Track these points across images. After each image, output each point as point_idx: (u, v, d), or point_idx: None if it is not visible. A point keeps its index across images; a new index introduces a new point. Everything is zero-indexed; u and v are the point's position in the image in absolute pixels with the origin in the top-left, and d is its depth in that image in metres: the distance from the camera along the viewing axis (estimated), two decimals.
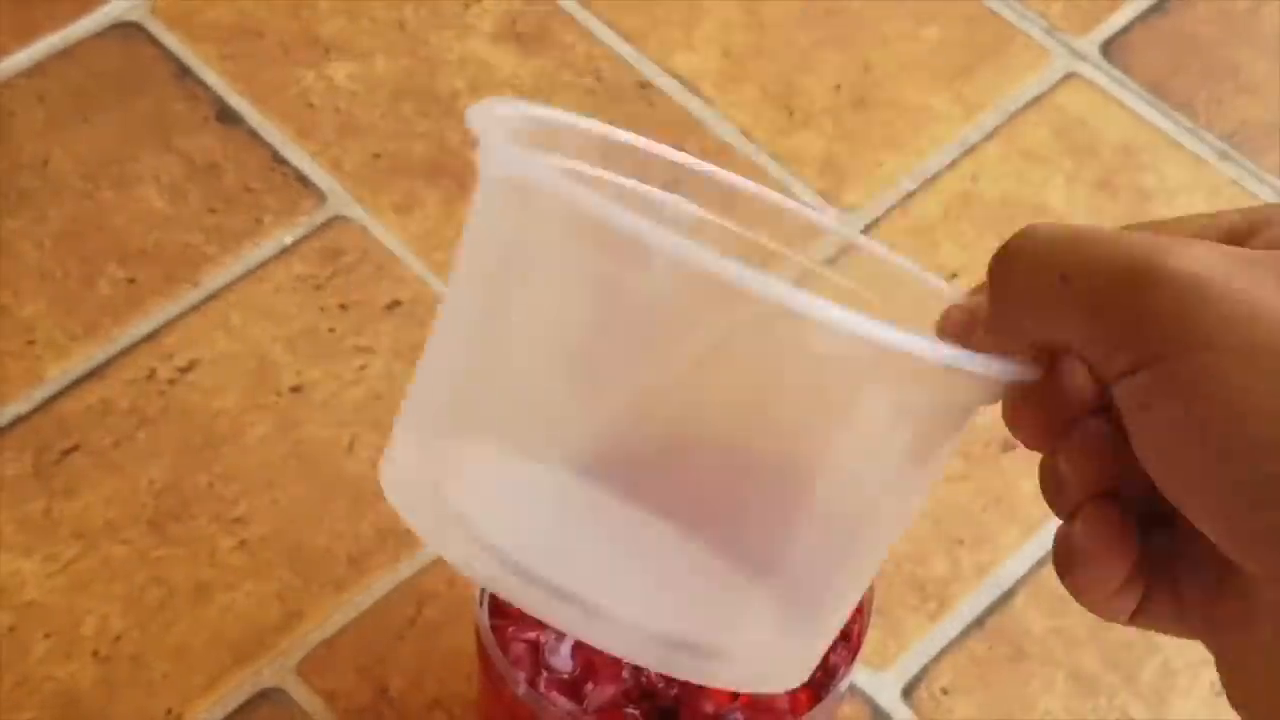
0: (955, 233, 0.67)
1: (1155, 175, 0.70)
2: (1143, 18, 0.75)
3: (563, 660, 0.45)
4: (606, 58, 0.72)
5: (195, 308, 0.64)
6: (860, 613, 0.46)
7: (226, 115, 0.69)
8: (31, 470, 0.59)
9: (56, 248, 0.65)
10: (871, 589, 0.46)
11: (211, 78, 0.70)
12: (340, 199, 0.67)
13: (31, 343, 0.62)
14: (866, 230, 0.67)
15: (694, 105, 0.71)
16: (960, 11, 0.75)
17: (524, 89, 0.71)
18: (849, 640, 0.46)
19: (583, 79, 0.71)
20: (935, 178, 0.69)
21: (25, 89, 0.69)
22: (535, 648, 0.45)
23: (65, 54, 0.70)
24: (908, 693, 0.56)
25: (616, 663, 0.45)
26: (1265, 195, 0.69)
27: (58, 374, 0.62)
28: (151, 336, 0.63)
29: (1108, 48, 0.74)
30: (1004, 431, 0.61)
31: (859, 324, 0.27)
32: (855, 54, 0.73)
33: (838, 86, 0.72)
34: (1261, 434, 0.26)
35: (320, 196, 0.67)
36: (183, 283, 0.64)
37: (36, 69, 0.70)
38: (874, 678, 0.57)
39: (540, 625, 0.46)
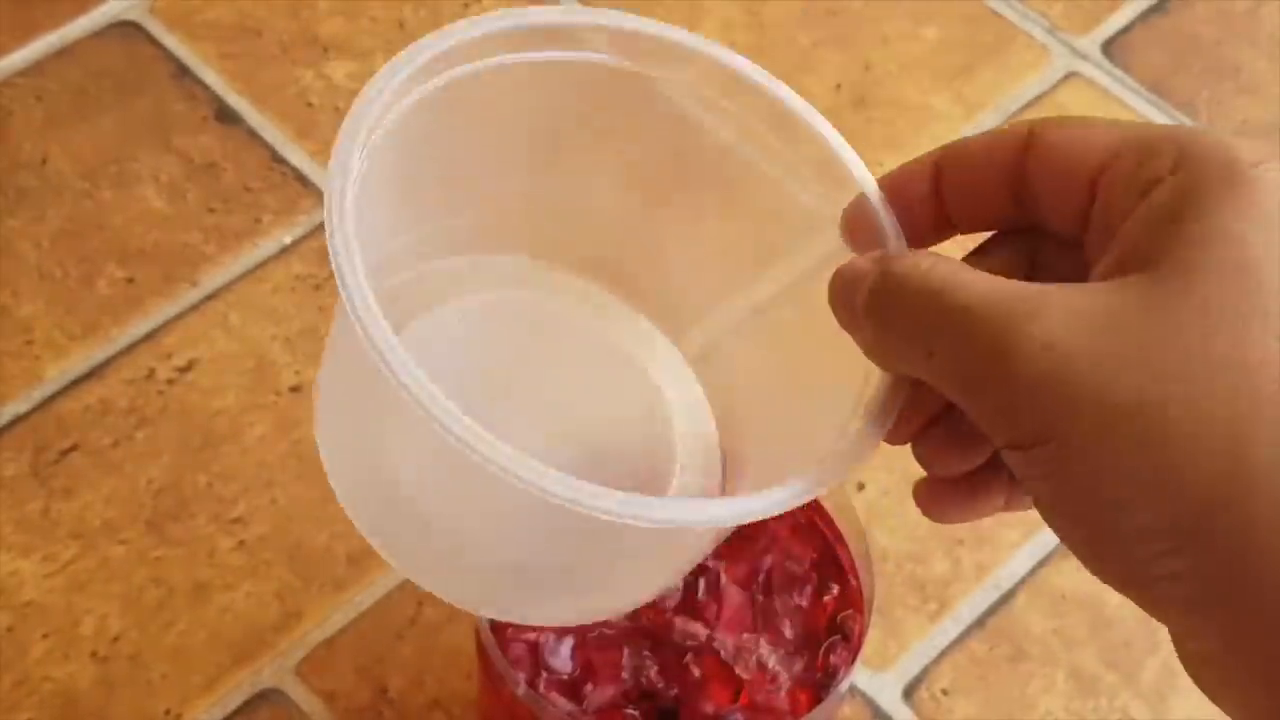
0: None
1: None
2: (1143, 17, 0.75)
3: (562, 661, 0.45)
4: None
5: (194, 307, 0.63)
6: (860, 613, 0.46)
7: (225, 115, 0.69)
8: (30, 470, 0.59)
9: (55, 247, 0.65)
10: (872, 588, 0.46)
11: (210, 77, 0.70)
12: None
13: (30, 342, 0.62)
14: None
15: None
16: (961, 11, 0.75)
17: None
18: (849, 640, 0.45)
19: None
20: None
21: (24, 88, 0.69)
22: (534, 648, 0.45)
23: (64, 53, 0.70)
24: (908, 693, 0.56)
25: (616, 663, 0.45)
26: None
27: (56, 374, 0.61)
28: (150, 336, 0.63)
29: (1108, 47, 0.74)
30: None
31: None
32: (856, 54, 0.73)
33: (838, 86, 0.72)
34: (1123, 525, 0.26)
35: (319, 196, 0.67)
36: (182, 282, 0.64)
37: (35, 68, 0.70)
38: (874, 678, 0.57)
39: (540, 626, 0.46)
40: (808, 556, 0.47)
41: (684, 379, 0.40)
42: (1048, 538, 0.59)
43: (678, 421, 0.39)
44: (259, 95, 0.70)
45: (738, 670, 0.45)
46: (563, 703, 0.45)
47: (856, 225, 0.34)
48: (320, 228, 0.66)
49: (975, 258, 0.33)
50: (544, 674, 0.45)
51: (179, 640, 0.56)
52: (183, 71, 0.70)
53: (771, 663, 0.45)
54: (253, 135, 0.68)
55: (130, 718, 0.55)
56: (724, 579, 0.46)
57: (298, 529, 0.58)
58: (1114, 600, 0.59)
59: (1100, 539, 0.27)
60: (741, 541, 0.47)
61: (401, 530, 0.35)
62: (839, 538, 0.47)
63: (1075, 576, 0.59)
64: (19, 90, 0.69)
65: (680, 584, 0.45)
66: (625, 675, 0.45)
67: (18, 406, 0.61)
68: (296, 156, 0.68)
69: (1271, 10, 0.75)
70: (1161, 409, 0.26)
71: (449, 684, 0.56)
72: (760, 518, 0.31)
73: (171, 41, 0.71)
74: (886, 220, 0.33)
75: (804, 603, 0.46)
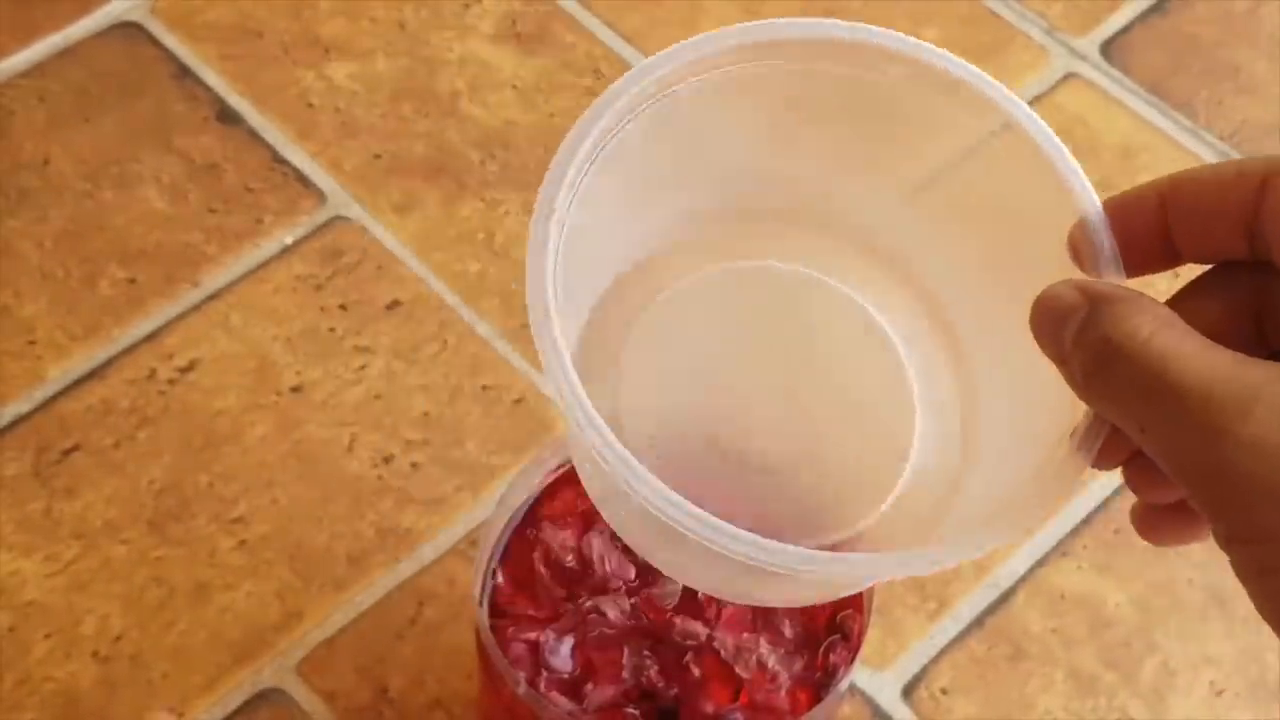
0: None
1: (1155, 175, 0.70)
2: (1142, 18, 0.75)
3: (563, 660, 0.45)
4: (606, 58, 0.72)
5: (196, 308, 0.64)
6: (860, 611, 0.46)
7: (227, 115, 0.69)
8: (32, 470, 0.59)
9: (57, 248, 0.65)
10: (871, 588, 0.46)
11: (212, 78, 0.70)
12: (340, 199, 0.67)
13: (32, 343, 0.62)
14: None
15: None
16: (959, 12, 0.75)
17: (524, 89, 0.71)
18: (849, 640, 0.46)
19: (582, 79, 0.71)
20: None
21: (26, 89, 0.69)
22: (535, 648, 0.45)
23: (66, 54, 0.71)
24: (907, 692, 0.57)
25: (616, 663, 0.45)
26: None
27: (58, 374, 0.62)
28: (152, 336, 0.63)
29: (1107, 48, 0.74)
30: None
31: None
32: None
33: None
34: None
35: (320, 196, 0.67)
36: (183, 283, 0.64)
37: (37, 69, 0.70)
38: (874, 678, 0.57)
39: (540, 625, 0.46)
40: None
41: (922, 336, 0.40)
42: (1046, 537, 0.60)
43: (918, 387, 0.39)
44: (260, 96, 0.70)
45: (737, 669, 0.46)
46: (563, 702, 0.45)
47: (1080, 248, 0.33)
48: (320, 228, 0.66)
49: (1199, 292, 0.32)
50: (544, 673, 0.45)
51: (180, 640, 0.56)
52: (184, 72, 0.70)
53: (771, 662, 0.46)
54: (254, 136, 0.68)
55: (131, 717, 0.55)
56: None
57: (298, 529, 0.59)
58: (1112, 600, 0.59)
59: None
60: None
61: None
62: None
63: (1074, 576, 0.59)
64: (21, 91, 0.69)
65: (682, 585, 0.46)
66: (625, 675, 0.45)
67: (19, 406, 0.61)
68: (297, 157, 0.68)
69: (1270, 11, 0.76)
70: None
71: (449, 684, 0.56)
72: (955, 563, 0.32)
73: (172, 42, 0.71)
74: (1107, 245, 0.33)
75: None
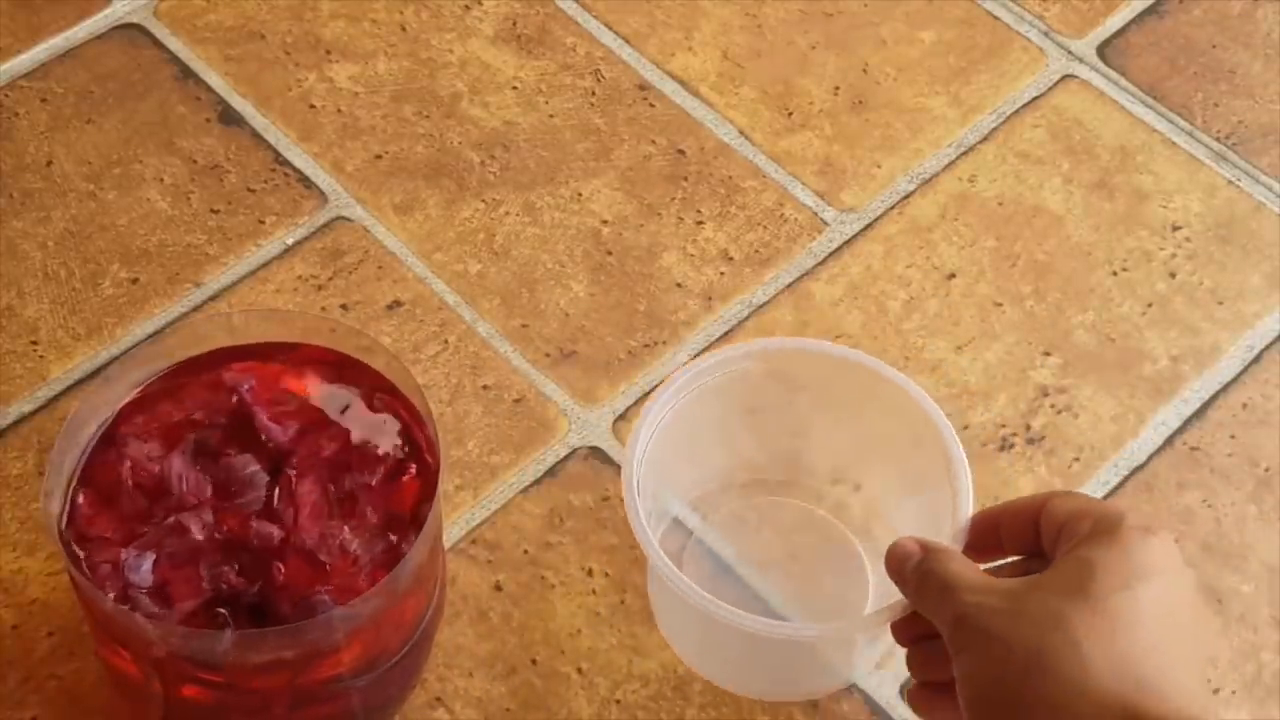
0: (952, 233, 0.68)
1: (1151, 176, 0.70)
2: (1139, 20, 0.76)
3: (143, 576, 0.47)
4: (606, 59, 0.72)
5: (198, 308, 0.64)
6: (429, 502, 0.48)
7: (229, 117, 0.69)
8: (35, 469, 0.60)
9: (60, 248, 0.65)
10: (446, 470, 0.49)
11: (214, 79, 0.70)
12: (341, 200, 0.67)
13: (35, 343, 0.63)
14: (864, 231, 0.68)
15: (693, 106, 0.71)
16: (957, 14, 0.75)
17: (525, 90, 0.71)
18: (418, 523, 0.48)
19: (583, 80, 0.72)
20: (932, 179, 0.69)
21: (29, 91, 0.70)
22: (118, 567, 0.47)
23: (69, 56, 0.71)
24: (904, 689, 0.57)
25: (194, 578, 0.47)
26: (1261, 195, 0.70)
27: (61, 374, 0.62)
28: (154, 336, 0.63)
29: (1104, 50, 0.74)
30: (1001, 431, 0.61)
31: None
32: (853, 56, 0.73)
33: (836, 88, 0.72)
34: (965, 694, 0.47)
35: (321, 197, 0.67)
36: (185, 283, 0.65)
37: (40, 71, 0.70)
38: (872, 675, 0.57)
39: (117, 547, 0.47)
40: (385, 439, 0.50)
41: (876, 538, 0.60)
42: None
43: (870, 571, 0.60)
44: (262, 97, 0.70)
45: (321, 557, 0.48)
46: (151, 610, 0.47)
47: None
48: (322, 229, 0.66)
49: (1006, 566, 0.52)
50: (128, 590, 0.47)
51: None
52: (186, 74, 0.71)
53: (354, 547, 0.48)
54: (256, 137, 0.69)
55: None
56: (296, 481, 0.49)
57: None
58: None
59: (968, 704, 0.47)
60: (314, 438, 0.50)
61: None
62: (416, 418, 0.50)
63: None
64: (24, 93, 0.70)
65: (263, 492, 0.49)
66: (205, 585, 0.47)
67: (23, 406, 0.61)
68: (299, 158, 0.68)
69: (1266, 13, 0.76)
70: (1001, 637, 0.46)
71: (450, 681, 0.56)
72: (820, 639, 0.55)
73: (175, 44, 0.71)
74: (961, 531, 0.52)
75: (374, 482, 0.49)
